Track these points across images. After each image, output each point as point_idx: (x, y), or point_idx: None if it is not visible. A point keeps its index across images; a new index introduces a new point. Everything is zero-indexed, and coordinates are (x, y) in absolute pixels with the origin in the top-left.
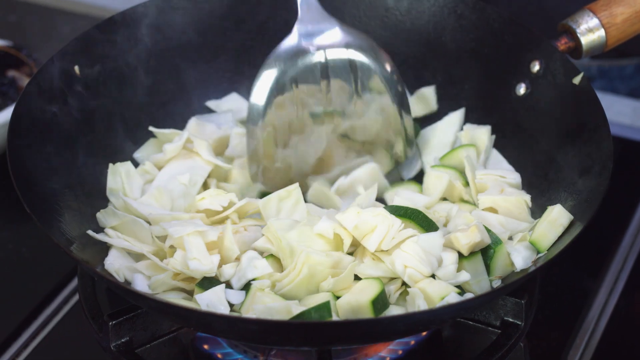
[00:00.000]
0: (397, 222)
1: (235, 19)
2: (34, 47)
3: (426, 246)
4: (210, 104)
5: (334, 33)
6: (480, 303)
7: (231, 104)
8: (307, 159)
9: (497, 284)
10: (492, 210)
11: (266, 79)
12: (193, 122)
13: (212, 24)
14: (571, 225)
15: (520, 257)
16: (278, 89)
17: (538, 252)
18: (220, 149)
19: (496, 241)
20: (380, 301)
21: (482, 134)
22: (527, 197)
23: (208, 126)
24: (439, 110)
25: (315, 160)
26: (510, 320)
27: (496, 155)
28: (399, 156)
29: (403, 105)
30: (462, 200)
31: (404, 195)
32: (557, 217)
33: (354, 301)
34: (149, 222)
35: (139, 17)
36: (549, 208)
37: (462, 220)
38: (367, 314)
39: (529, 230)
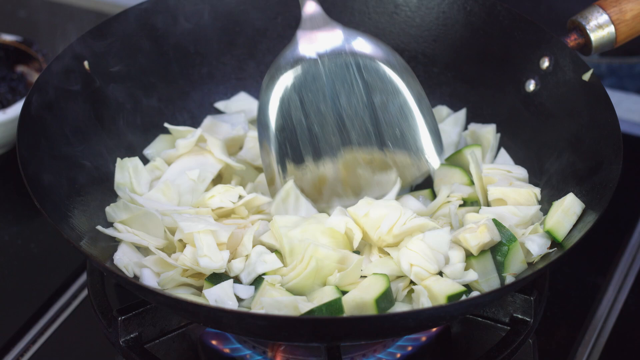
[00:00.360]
0: (408, 211)
1: (242, 17)
2: (44, 42)
3: (432, 243)
4: (219, 105)
5: (337, 37)
6: (489, 300)
7: (241, 104)
8: (328, 178)
9: (511, 280)
10: (501, 202)
11: (272, 94)
12: (208, 121)
13: (219, 22)
14: (579, 221)
15: (535, 245)
16: (284, 103)
17: (553, 240)
18: (232, 149)
19: (510, 238)
20: (384, 299)
21: (487, 133)
22: (537, 190)
23: (223, 126)
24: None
25: (337, 180)
26: (520, 316)
27: (504, 155)
28: (429, 158)
29: (421, 101)
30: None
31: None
32: (570, 206)
33: (359, 298)
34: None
35: (147, 14)
36: (557, 201)
37: (474, 218)
38: (371, 312)
39: (540, 222)
